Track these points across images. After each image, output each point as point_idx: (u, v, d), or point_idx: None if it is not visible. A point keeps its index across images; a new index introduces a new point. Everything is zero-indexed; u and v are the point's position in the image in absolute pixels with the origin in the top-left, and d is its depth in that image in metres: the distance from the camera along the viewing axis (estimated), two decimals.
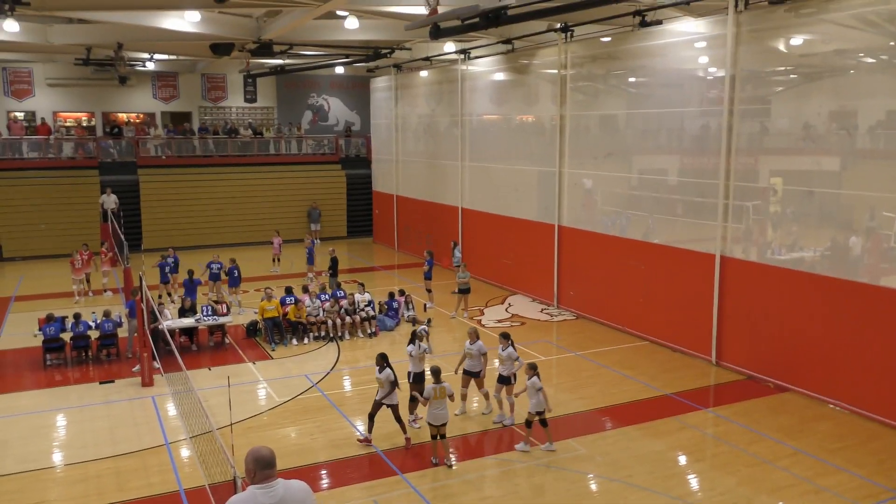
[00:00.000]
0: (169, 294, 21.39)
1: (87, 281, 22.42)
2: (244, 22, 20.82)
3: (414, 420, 12.53)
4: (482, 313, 20.27)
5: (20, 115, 31.70)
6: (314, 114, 36.76)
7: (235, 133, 33.72)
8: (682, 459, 11.47)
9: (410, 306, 19.56)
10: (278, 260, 26.22)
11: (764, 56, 14.69)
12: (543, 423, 11.46)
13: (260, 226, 31.41)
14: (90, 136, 32.31)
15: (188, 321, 17.15)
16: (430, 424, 11.06)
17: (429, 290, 21.09)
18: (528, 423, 11.53)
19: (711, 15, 15.37)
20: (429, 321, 19.04)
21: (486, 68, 23.86)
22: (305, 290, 19.29)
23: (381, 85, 31.99)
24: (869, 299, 12.71)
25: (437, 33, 13.86)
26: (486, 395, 13.14)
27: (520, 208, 22.36)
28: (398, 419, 11.68)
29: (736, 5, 14.45)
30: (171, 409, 13.57)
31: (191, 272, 19.56)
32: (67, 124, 32.64)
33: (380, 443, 11.85)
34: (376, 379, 11.57)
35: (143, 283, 14.83)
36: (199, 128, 33.85)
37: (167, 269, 21.39)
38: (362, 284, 19.61)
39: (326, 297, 18.73)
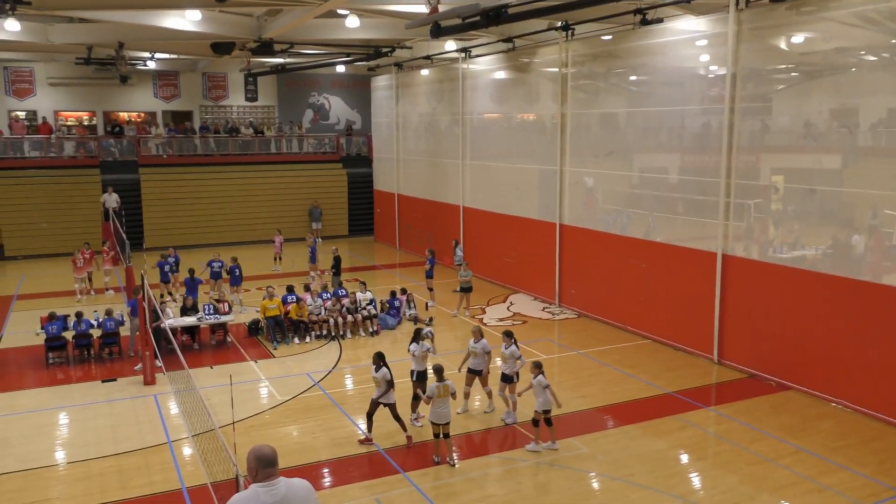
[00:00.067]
0: (170, 293, 21.41)
1: (89, 279, 22.45)
2: (245, 21, 20.83)
3: (416, 419, 12.55)
4: (484, 312, 20.28)
5: (21, 115, 31.72)
6: (315, 112, 36.76)
7: (236, 132, 33.73)
8: (684, 458, 11.47)
9: (412, 305, 19.57)
10: (280, 259, 26.24)
11: (765, 54, 14.68)
12: (548, 421, 11.45)
13: (261, 225, 31.44)
14: (91, 135, 32.34)
15: (190, 320, 17.17)
16: (432, 423, 11.05)
17: (430, 289, 21.10)
18: (536, 423, 11.51)
19: (712, 13, 15.36)
20: (430, 320, 19.06)
21: (487, 67, 23.86)
22: (307, 288, 19.32)
23: (381, 83, 31.99)
24: (871, 297, 12.70)
25: (438, 32, 13.87)
26: (489, 394, 13.14)
27: (521, 207, 22.36)
28: (396, 418, 11.69)
29: (737, 3, 14.44)
30: (174, 408, 13.59)
31: (191, 271, 19.59)
32: (69, 123, 32.70)
33: (381, 441, 11.86)
34: (373, 378, 11.59)
35: (145, 281, 14.84)
36: (200, 127, 33.86)
37: (167, 268, 21.39)
38: (364, 283, 19.62)
39: (328, 295, 18.73)
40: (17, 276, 25.76)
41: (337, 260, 21.60)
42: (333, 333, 17.87)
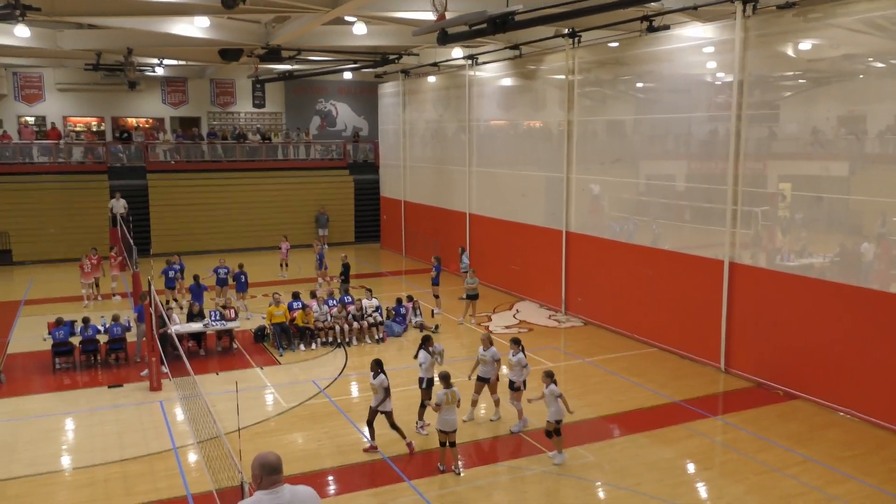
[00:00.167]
0: (176, 300, 21.44)
1: (97, 285, 22.52)
2: (253, 27, 20.92)
3: (421, 427, 12.52)
4: (490, 319, 20.25)
5: (31, 120, 31.92)
6: (322, 119, 36.85)
7: (244, 138, 33.85)
8: (691, 467, 11.41)
9: (418, 312, 19.56)
10: (286, 265, 26.27)
11: (772, 61, 14.65)
12: (557, 431, 11.39)
13: (268, 231, 31.46)
14: (100, 140, 32.50)
15: (197, 326, 17.19)
16: (440, 431, 10.98)
17: (436, 296, 21.08)
18: (549, 434, 11.39)
19: (719, 20, 15.34)
20: (436, 327, 19.03)
21: (494, 74, 23.88)
22: (313, 295, 19.32)
23: (388, 90, 32.07)
24: (879, 306, 12.62)
25: (445, 39, 13.88)
26: (497, 402, 13.10)
27: (527, 214, 22.34)
28: (394, 426, 11.65)
29: (744, 10, 14.42)
30: (179, 414, 13.60)
31: (196, 277, 19.59)
32: (77, 129, 32.86)
33: (386, 449, 11.83)
34: (370, 385, 11.58)
35: (152, 287, 14.87)
36: (207, 133, 33.99)
37: (172, 274, 21.37)
38: (370, 290, 19.61)
39: (334, 302, 18.74)
40: (25, 281, 25.87)
41: (346, 267, 21.60)
42: (339, 340, 17.86)
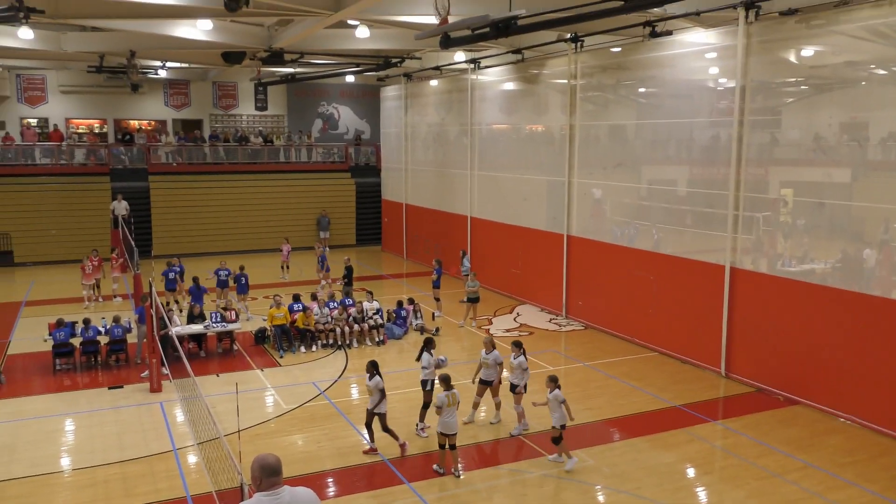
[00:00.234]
0: (177, 301, 21.44)
1: (98, 286, 22.53)
2: (256, 31, 20.96)
3: (422, 429, 12.51)
4: (490, 322, 20.24)
5: (33, 122, 31.97)
6: (324, 122, 36.89)
7: (246, 141, 33.88)
8: (691, 472, 11.39)
9: (419, 315, 19.55)
10: (287, 267, 26.27)
11: (774, 67, 14.66)
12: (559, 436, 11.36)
13: (269, 233, 31.49)
14: (102, 142, 32.54)
15: (197, 327, 17.19)
16: (441, 434, 10.96)
17: (437, 299, 21.08)
18: (556, 440, 11.31)
19: (721, 26, 15.36)
20: (437, 330, 19.03)
21: (496, 78, 23.91)
22: (314, 297, 19.33)
23: (391, 94, 32.11)
24: (880, 312, 12.61)
25: (448, 43, 13.88)
26: (498, 405, 13.09)
27: (529, 218, 22.35)
28: (386, 429, 11.65)
29: (746, 16, 14.43)
30: (179, 415, 13.59)
31: (195, 279, 19.57)
32: (80, 131, 32.91)
33: (386, 451, 11.82)
34: (366, 386, 11.58)
35: (153, 289, 14.89)
36: (209, 135, 34.02)
37: (171, 275, 21.33)
38: (371, 292, 19.61)
39: (335, 304, 18.74)
40: (26, 282, 25.88)
41: (349, 270, 21.61)
42: (340, 343, 17.86)
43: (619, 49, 18.42)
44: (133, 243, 25.51)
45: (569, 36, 18.94)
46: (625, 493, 10.54)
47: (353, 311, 18.45)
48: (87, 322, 16.61)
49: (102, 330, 16.76)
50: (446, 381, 11.12)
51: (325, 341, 17.85)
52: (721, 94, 15.88)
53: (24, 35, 19.27)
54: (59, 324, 16.43)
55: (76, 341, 16.37)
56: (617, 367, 16.29)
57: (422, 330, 18.97)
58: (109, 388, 15.06)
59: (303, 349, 17.54)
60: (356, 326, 18.11)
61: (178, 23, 18.78)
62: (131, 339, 16.85)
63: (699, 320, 16.16)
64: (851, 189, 13.67)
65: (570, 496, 10.48)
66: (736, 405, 14.22)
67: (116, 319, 16.65)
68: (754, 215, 14.96)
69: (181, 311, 19.65)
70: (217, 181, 32.49)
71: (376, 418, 11.59)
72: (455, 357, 16.68)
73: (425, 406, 12.44)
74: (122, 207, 28.79)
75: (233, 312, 18.14)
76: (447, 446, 11.00)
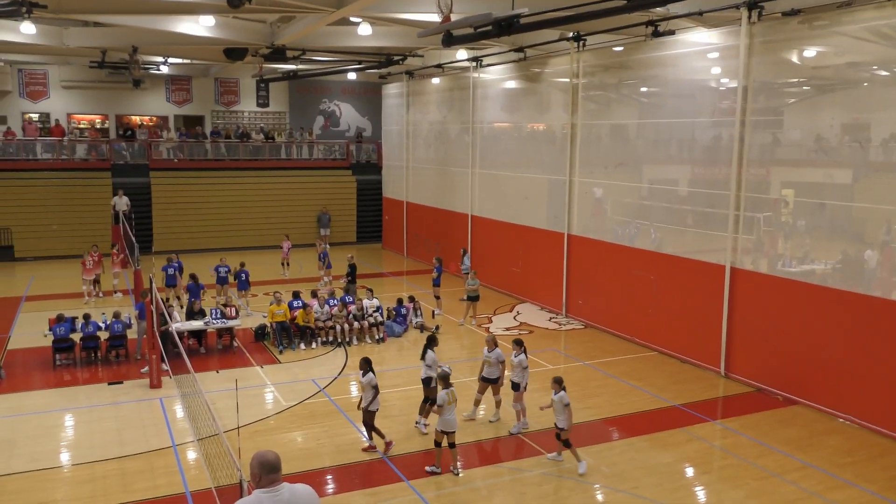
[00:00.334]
0: (178, 297, 21.44)
1: (98, 282, 22.54)
2: (258, 27, 20.95)
3: (423, 425, 12.53)
4: (490, 321, 20.24)
5: (35, 117, 31.98)
6: (326, 119, 36.89)
7: (247, 137, 33.88)
8: (690, 471, 11.40)
9: (419, 313, 19.56)
10: (287, 264, 26.28)
11: (777, 67, 14.65)
12: (559, 435, 11.36)
13: (270, 230, 31.48)
14: (103, 138, 32.56)
15: (197, 324, 17.20)
16: (442, 432, 10.94)
17: (437, 297, 21.08)
18: (567, 443, 11.24)
19: (724, 26, 15.34)
20: (437, 328, 19.03)
21: (498, 76, 23.90)
22: (314, 294, 19.33)
23: (392, 91, 32.09)
24: (881, 313, 12.61)
25: (450, 41, 13.87)
26: (498, 403, 13.09)
27: (529, 216, 22.34)
28: (371, 426, 11.67)
29: (749, 16, 14.42)
30: (179, 411, 13.60)
31: (193, 276, 19.54)
32: (81, 126, 32.91)
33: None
34: (359, 383, 11.59)
35: (153, 285, 14.89)
36: (211, 131, 34.02)
37: (170, 271, 21.27)
38: (371, 290, 19.61)
39: (335, 301, 18.74)
40: (27, 277, 25.89)
41: (352, 267, 21.60)
42: (339, 340, 17.86)
43: (621, 48, 18.40)
44: (134, 239, 25.52)
45: (571, 35, 18.92)
46: (623, 492, 10.54)
47: (352, 308, 18.45)
48: (87, 317, 16.62)
49: (102, 325, 16.76)
50: (445, 379, 11.13)
51: (324, 338, 17.84)
52: (723, 94, 15.87)
53: (27, 30, 19.28)
54: (60, 319, 16.43)
55: (76, 337, 16.38)
56: (616, 367, 16.29)
57: (422, 328, 18.98)
58: (109, 384, 15.07)
59: (302, 346, 17.54)
60: (356, 324, 18.11)
61: (181, 18, 18.77)
62: (131, 334, 16.85)
63: (699, 320, 16.17)
64: (852, 190, 13.67)
65: (569, 495, 10.49)
66: (735, 405, 14.23)
67: (116, 315, 16.65)
68: (755, 215, 14.96)
69: (182, 307, 19.66)
70: (218, 177, 32.49)
71: (375, 414, 11.60)
72: (455, 356, 16.69)
73: (426, 401, 12.45)
74: (122, 203, 28.78)
75: (233, 309, 18.14)
76: (446, 444, 11.01)
